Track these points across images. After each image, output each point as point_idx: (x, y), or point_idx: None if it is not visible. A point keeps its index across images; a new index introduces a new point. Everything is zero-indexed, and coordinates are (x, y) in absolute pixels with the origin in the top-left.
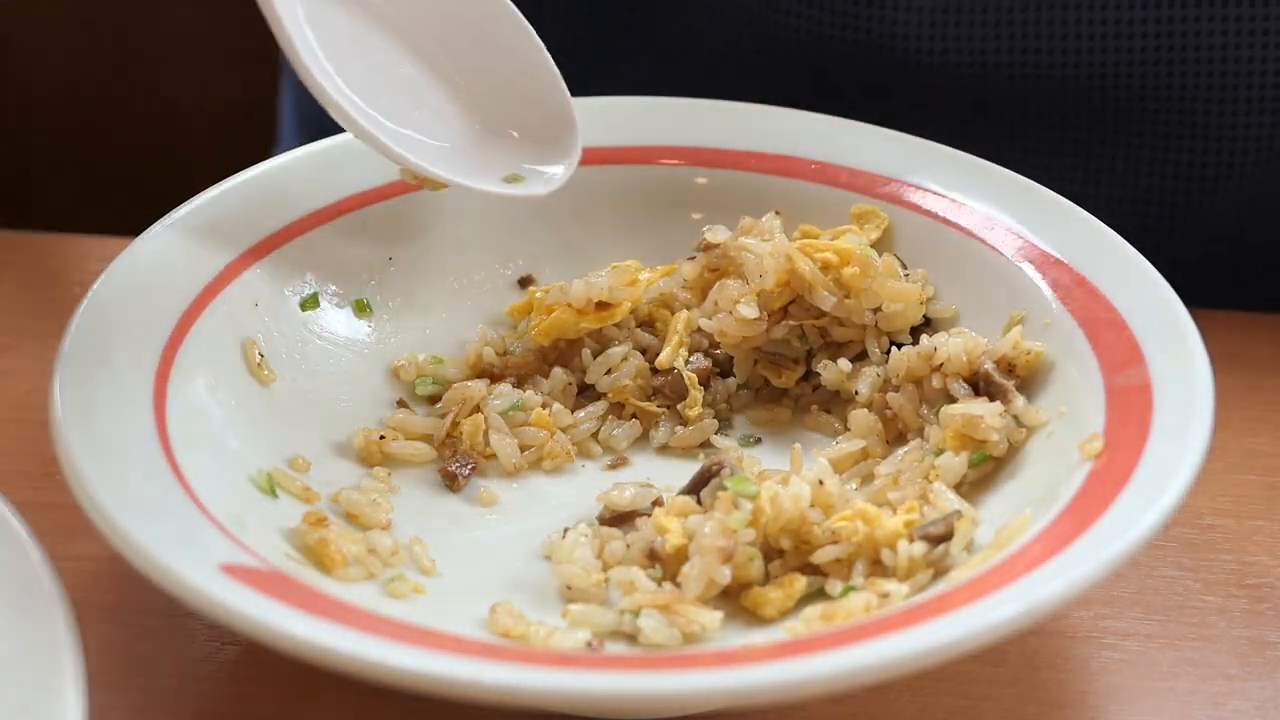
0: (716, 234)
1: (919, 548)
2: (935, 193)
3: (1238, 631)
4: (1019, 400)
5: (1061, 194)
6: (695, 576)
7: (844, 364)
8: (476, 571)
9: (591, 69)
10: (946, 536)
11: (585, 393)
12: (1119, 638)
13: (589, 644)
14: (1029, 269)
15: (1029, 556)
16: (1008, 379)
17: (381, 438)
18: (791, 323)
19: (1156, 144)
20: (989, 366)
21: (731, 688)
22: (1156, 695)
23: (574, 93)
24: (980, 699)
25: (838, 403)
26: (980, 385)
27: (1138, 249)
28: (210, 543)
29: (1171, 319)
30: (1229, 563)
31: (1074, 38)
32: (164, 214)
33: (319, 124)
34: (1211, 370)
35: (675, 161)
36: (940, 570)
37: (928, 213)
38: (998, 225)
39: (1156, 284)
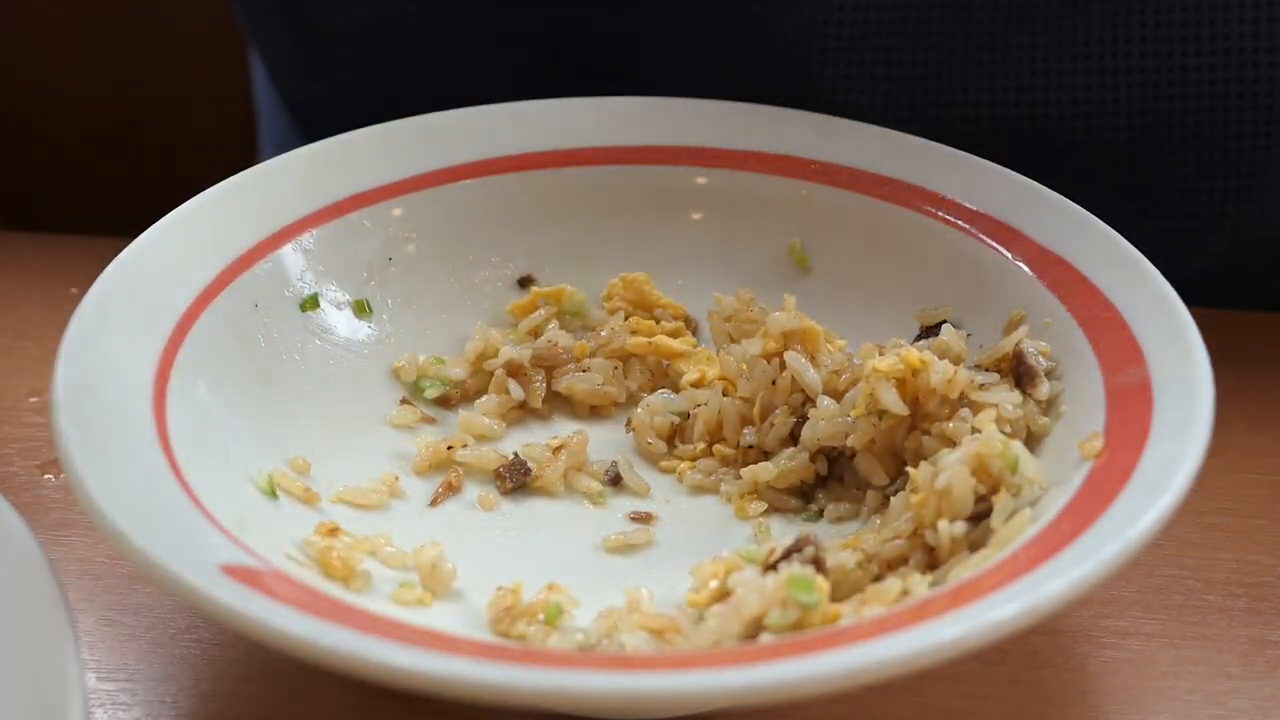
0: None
1: (959, 527)
2: (935, 193)
3: (1239, 630)
4: (1045, 386)
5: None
6: (710, 630)
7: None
8: (477, 572)
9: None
10: (985, 514)
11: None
12: (1120, 637)
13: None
14: (1029, 269)
15: (1029, 556)
16: (1041, 362)
17: (450, 448)
18: None
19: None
20: (1025, 346)
21: (731, 688)
22: (1157, 694)
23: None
24: (980, 699)
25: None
26: (1012, 366)
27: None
28: (210, 543)
29: (1171, 319)
30: (1230, 562)
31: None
32: (163, 214)
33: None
34: (1211, 370)
35: (675, 161)
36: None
37: (928, 212)
38: (998, 225)
39: (1156, 284)
